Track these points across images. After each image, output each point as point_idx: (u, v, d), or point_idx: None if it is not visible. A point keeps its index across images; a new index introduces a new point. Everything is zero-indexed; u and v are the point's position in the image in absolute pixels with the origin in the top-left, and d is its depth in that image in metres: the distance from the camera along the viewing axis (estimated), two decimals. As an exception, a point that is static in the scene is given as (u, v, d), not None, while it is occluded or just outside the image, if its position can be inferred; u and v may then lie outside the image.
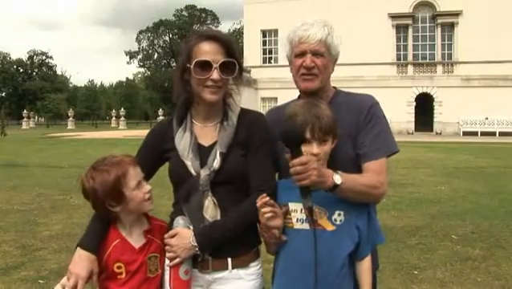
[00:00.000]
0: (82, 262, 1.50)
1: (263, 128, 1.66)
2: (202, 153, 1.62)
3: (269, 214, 1.46)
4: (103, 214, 1.58)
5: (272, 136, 1.63)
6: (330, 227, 1.53)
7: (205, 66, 1.55)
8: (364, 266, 1.59)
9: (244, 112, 1.70)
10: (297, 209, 1.55)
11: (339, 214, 1.54)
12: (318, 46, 1.65)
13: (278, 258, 1.63)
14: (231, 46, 1.60)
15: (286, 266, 1.58)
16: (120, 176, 1.53)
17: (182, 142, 1.63)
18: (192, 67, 1.56)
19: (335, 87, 1.82)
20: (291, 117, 1.54)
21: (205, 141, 1.65)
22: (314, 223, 1.50)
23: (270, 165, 1.63)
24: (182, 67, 1.59)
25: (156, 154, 1.70)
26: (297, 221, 1.55)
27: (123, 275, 1.57)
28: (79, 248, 1.53)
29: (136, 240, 1.61)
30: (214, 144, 1.63)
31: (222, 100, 1.66)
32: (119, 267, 1.56)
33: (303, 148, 1.45)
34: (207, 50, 1.56)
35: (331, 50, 1.69)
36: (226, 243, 1.58)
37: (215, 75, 1.55)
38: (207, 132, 1.66)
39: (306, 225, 1.53)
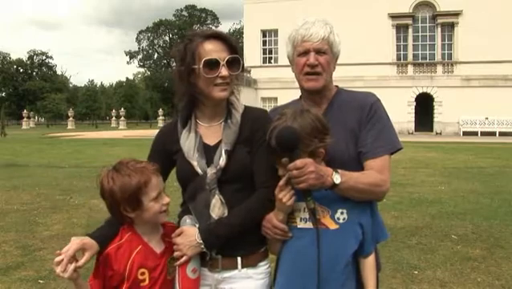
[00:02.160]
0: (84, 238, 1.49)
1: (265, 124, 1.66)
2: (208, 152, 1.63)
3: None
4: (117, 217, 1.56)
5: None
6: (333, 226, 1.53)
7: (213, 64, 1.56)
8: (369, 263, 1.59)
9: (248, 110, 1.71)
10: (300, 209, 1.55)
11: (342, 213, 1.53)
12: (321, 44, 1.66)
13: (281, 256, 1.63)
14: (233, 42, 1.62)
15: (289, 265, 1.57)
16: (142, 184, 1.51)
17: (187, 142, 1.64)
18: (200, 67, 1.56)
19: (336, 86, 1.82)
20: (279, 124, 1.51)
21: (211, 140, 1.65)
22: (317, 222, 1.50)
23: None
24: (188, 69, 1.59)
25: (165, 157, 1.70)
26: (300, 220, 1.55)
27: (147, 282, 1.55)
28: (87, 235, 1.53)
29: (157, 245, 1.60)
30: (219, 142, 1.63)
31: (226, 99, 1.67)
32: (142, 274, 1.55)
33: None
34: (212, 49, 1.57)
35: (332, 48, 1.70)
36: (236, 242, 1.58)
37: (224, 71, 1.57)
38: (212, 132, 1.66)
39: (309, 224, 1.53)
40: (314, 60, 1.66)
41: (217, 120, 1.68)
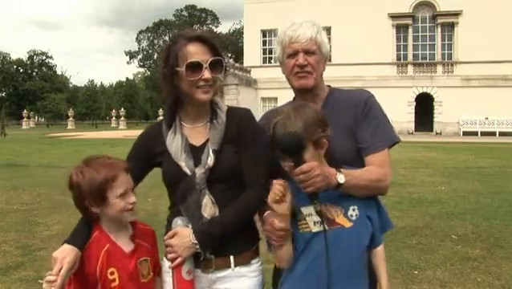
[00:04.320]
0: (66, 249, 1.48)
1: (253, 123, 1.69)
2: (195, 153, 1.63)
3: (278, 194, 1.44)
4: (82, 211, 1.58)
5: (262, 131, 1.62)
6: (347, 224, 1.53)
7: (196, 67, 1.57)
8: (380, 253, 1.62)
9: (232, 110, 1.72)
10: (311, 213, 1.52)
11: (354, 209, 1.55)
12: (309, 44, 1.68)
13: (295, 262, 1.56)
14: (215, 44, 1.63)
15: (305, 268, 1.53)
16: (109, 178, 1.51)
17: (174, 144, 1.64)
18: (183, 69, 1.57)
19: (329, 86, 1.83)
20: (281, 127, 1.49)
21: (197, 141, 1.66)
22: (331, 223, 1.51)
23: (262, 159, 1.64)
24: (171, 71, 1.60)
25: (147, 159, 1.70)
26: (314, 224, 1.53)
27: (117, 282, 1.53)
28: (64, 244, 1.52)
29: (125, 245, 1.59)
30: (205, 143, 1.64)
31: (209, 100, 1.67)
32: (112, 273, 1.53)
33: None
34: (195, 51, 1.58)
35: (321, 48, 1.71)
36: (227, 241, 1.59)
37: (206, 74, 1.58)
38: (197, 132, 1.67)
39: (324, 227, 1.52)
40: (303, 61, 1.68)
41: (201, 120, 1.69)
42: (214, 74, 1.61)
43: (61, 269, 1.42)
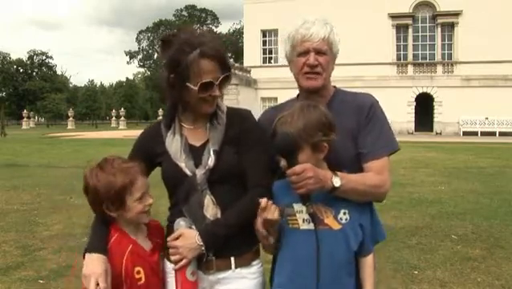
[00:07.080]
0: (93, 262, 1.47)
1: (254, 124, 1.69)
2: (195, 153, 1.63)
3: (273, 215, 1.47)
4: (98, 213, 1.58)
5: (264, 132, 1.63)
6: (336, 226, 1.53)
7: (208, 85, 1.56)
8: (368, 263, 1.60)
9: (232, 110, 1.71)
10: (302, 210, 1.53)
11: (345, 213, 1.54)
12: (321, 44, 1.65)
13: (282, 257, 1.61)
14: (226, 60, 1.62)
15: (292, 266, 1.56)
16: (128, 183, 1.52)
17: (173, 145, 1.64)
18: (195, 88, 1.54)
19: (334, 86, 1.81)
20: (281, 127, 1.51)
21: (196, 142, 1.65)
22: (320, 223, 1.51)
23: (265, 160, 1.63)
24: (180, 83, 1.56)
25: (147, 159, 1.68)
26: (303, 221, 1.54)
27: (143, 281, 1.56)
28: (87, 254, 1.50)
29: (144, 243, 1.61)
30: (205, 143, 1.64)
31: None
32: (138, 272, 1.55)
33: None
34: (208, 70, 1.55)
35: (332, 48, 1.69)
36: (229, 242, 1.58)
37: (216, 92, 1.58)
38: (197, 133, 1.67)
39: (312, 225, 1.52)
40: (313, 61, 1.65)
41: (201, 121, 1.68)
42: (222, 89, 1.62)
43: (97, 284, 1.41)
